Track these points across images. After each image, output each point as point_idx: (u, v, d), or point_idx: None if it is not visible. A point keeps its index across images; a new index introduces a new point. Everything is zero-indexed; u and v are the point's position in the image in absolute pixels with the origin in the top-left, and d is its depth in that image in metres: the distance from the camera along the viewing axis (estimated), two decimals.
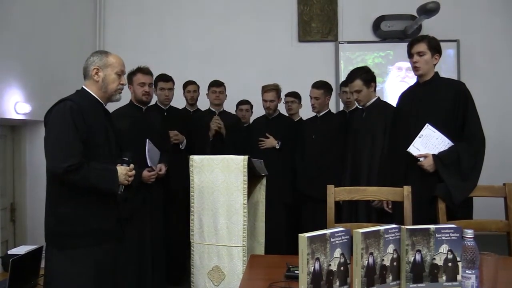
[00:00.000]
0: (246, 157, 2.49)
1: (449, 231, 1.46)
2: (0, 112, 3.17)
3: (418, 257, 1.45)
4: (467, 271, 1.40)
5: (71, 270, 1.87)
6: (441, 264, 1.46)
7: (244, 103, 4.10)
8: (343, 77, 4.38)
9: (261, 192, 2.75)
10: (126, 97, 2.83)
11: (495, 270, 1.40)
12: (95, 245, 1.92)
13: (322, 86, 3.40)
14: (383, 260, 1.45)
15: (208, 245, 2.55)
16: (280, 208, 3.39)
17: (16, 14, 3.35)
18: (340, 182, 2.83)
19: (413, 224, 1.93)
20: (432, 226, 1.47)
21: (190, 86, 3.95)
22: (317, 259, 1.36)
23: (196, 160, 2.59)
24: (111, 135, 2.06)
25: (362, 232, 1.41)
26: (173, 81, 3.59)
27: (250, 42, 4.93)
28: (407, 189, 2.08)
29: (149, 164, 2.78)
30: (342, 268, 1.42)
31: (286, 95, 3.76)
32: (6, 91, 3.24)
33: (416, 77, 2.55)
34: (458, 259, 1.45)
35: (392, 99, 3.90)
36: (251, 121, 4.07)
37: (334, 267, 1.40)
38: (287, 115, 3.82)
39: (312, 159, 3.35)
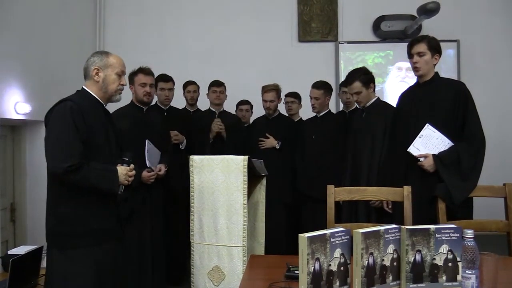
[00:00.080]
0: (246, 157, 2.49)
1: (449, 231, 1.46)
2: (0, 112, 3.17)
3: (418, 257, 1.45)
4: (467, 271, 1.40)
5: (71, 270, 1.87)
6: (441, 264, 1.46)
7: (244, 103, 4.10)
8: (343, 77, 4.37)
9: (261, 192, 2.75)
10: (127, 97, 2.84)
11: (495, 270, 1.40)
12: (95, 245, 1.92)
13: (322, 86, 3.40)
14: (383, 260, 1.45)
15: (208, 245, 2.55)
16: (280, 208, 3.39)
17: (16, 14, 3.35)
18: (340, 182, 2.83)
19: (413, 224, 1.93)
20: (432, 226, 1.47)
21: (190, 86, 3.95)
22: (317, 259, 1.36)
23: (196, 160, 2.59)
24: (111, 135, 2.06)
25: (362, 232, 1.41)
26: (173, 81, 3.59)
27: (250, 42, 4.93)
28: (407, 189, 2.08)
29: (148, 164, 2.78)
30: (342, 268, 1.42)
31: (286, 95, 3.76)
32: (6, 91, 3.24)
33: (416, 77, 2.55)
34: (458, 259, 1.45)
35: (392, 99, 3.90)
36: (251, 121, 4.07)
37: (334, 267, 1.40)
38: (287, 115, 3.82)
39: (312, 159, 3.35)
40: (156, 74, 3.24)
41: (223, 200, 2.51)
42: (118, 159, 2.02)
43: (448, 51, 4.75)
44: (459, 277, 1.45)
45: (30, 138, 3.76)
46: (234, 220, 2.48)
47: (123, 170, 1.95)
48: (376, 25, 4.85)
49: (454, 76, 4.55)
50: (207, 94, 3.81)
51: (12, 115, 3.30)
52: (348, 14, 4.94)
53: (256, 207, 2.75)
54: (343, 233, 1.43)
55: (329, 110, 3.50)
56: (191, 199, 2.60)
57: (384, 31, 4.82)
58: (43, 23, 3.73)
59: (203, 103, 3.96)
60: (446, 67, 4.68)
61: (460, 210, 2.23)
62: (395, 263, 1.48)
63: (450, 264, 1.46)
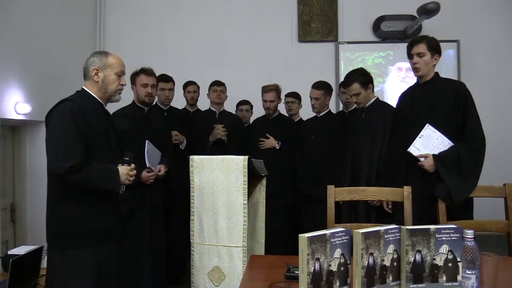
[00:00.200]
0: (246, 157, 2.49)
1: (449, 231, 1.46)
2: (0, 112, 3.17)
3: (418, 257, 1.45)
4: (467, 272, 1.40)
5: (72, 270, 1.87)
6: (441, 264, 1.46)
7: (244, 103, 4.10)
8: (343, 78, 4.35)
9: (261, 192, 2.75)
10: (128, 97, 2.85)
11: (495, 270, 1.40)
12: (96, 245, 1.92)
13: (322, 87, 3.40)
14: (383, 260, 1.45)
15: (208, 245, 2.54)
16: (280, 208, 3.38)
17: (16, 14, 3.35)
18: (340, 182, 2.83)
19: (413, 224, 1.93)
20: (432, 227, 1.47)
21: (190, 87, 3.95)
22: (317, 259, 1.36)
23: (196, 160, 2.59)
24: (111, 136, 2.06)
25: (362, 233, 1.41)
26: (173, 82, 3.60)
27: (250, 42, 4.93)
28: (407, 190, 2.08)
29: (147, 165, 2.78)
30: (342, 268, 1.42)
31: (286, 96, 3.76)
32: (6, 91, 3.24)
33: (416, 77, 2.55)
34: (458, 259, 1.45)
35: (392, 99, 3.91)
36: (251, 121, 4.07)
37: (334, 268, 1.40)
38: (287, 115, 3.82)
39: (312, 160, 3.35)
40: (156, 74, 3.24)
41: (223, 200, 2.51)
42: (119, 159, 2.02)
43: (448, 52, 4.75)
44: (459, 277, 1.45)
45: (30, 138, 3.76)
46: (234, 220, 2.48)
47: (124, 170, 1.96)
48: (376, 25, 4.86)
49: (454, 76, 4.55)
50: (207, 94, 3.81)
51: (12, 115, 3.30)
52: (348, 14, 4.94)
53: (256, 207, 2.74)
54: (343, 233, 1.43)
55: (329, 110, 3.50)
56: (191, 199, 2.60)
57: (384, 31, 4.82)
58: (43, 23, 3.73)
59: (203, 103, 3.96)
60: (446, 67, 4.69)
61: (460, 211, 2.23)
62: (395, 263, 1.48)
63: (450, 264, 1.46)
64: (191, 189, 2.60)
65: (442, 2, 4.12)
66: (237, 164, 2.48)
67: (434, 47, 2.44)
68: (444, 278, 1.46)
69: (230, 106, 3.99)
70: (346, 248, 1.43)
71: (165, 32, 4.98)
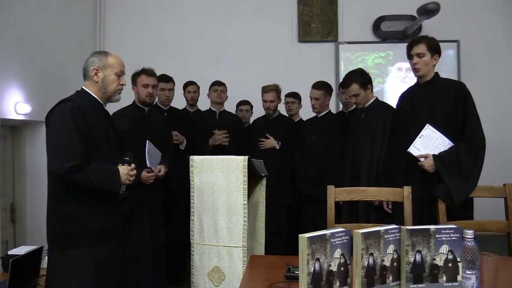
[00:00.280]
0: (246, 157, 2.49)
1: (449, 231, 1.46)
2: (0, 112, 3.17)
3: (418, 257, 1.45)
4: (467, 272, 1.40)
5: (72, 270, 1.87)
6: (441, 264, 1.46)
7: (244, 104, 4.10)
8: (343, 78, 4.38)
9: (261, 192, 2.75)
10: (128, 97, 2.85)
11: (495, 270, 1.40)
12: (96, 245, 1.92)
13: (322, 87, 3.40)
14: (383, 260, 1.45)
15: (208, 246, 2.54)
16: (280, 208, 3.38)
17: (16, 14, 3.35)
18: (340, 183, 2.83)
19: (413, 224, 1.93)
20: (432, 227, 1.47)
21: (190, 87, 3.95)
22: (317, 259, 1.36)
23: (196, 161, 2.59)
24: (111, 136, 2.07)
25: (362, 233, 1.41)
26: (173, 82, 3.60)
27: (250, 42, 4.93)
28: (407, 190, 2.08)
29: (148, 165, 2.78)
30: (342, 268, 1.42)
31: (286, 96, 3.76)
32: (6, 92, 3.24)
33: (416, 77, 2.55)
34: (458, 259, 1.45)
35: (392, 99, 3.90)
36: (251, 121, 4.07)
37: (334, 268, 1.40)
38: (287, 115, 3.82)
39: (312, 160, 3.35)
40: (156, 75, 3.24)
41: (223, 200, 2.51)
42: (119, 159, 2.02)
43: (448, 52, 4.75)
44: (459, 278, 1.45)
45: (30, 138, 3.76)
46: (234, 220, 2.48)
47: (124, 170, 1.96)
48: (376, 26, 4.85)
49: (454, 76, 4.55)
50: (208, 94, 3.81)
51: (12, 115, 3.30)
52: (348, 14, 4.94)
53: (256, 207, 2.74)
54: (343, 234, 1.43)
55: (329, 110, 3.50)
56: (191, 199, 2.60)
57: (384, 31, 4.82)
58: (43, 24, 3.73)
59: (204, 104, 3.96)
60: (446, 67, 4.69)
61: (460, 211, 2.23)
62: (395, 264, 1.48)
63: (450, 265, 1.46)
64: (191, 189, 2.60)
65: (442, 2, 4.12)
66: (237, 164, 2.48)
67: (434, 47, 2.44)
68: (444, 278, 1.46)
69: (230, 106, 3.99)
70: (346, 248, 1.43)
71: (165, 32, 4.98)
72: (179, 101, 3.88)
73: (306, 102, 3.65)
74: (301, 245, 1.35)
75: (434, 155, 2.33)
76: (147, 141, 2.80)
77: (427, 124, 2.37)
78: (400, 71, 4.86)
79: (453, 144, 2.33)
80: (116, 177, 1.93)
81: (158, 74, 3.23)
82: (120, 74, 2.04)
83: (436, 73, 2.49)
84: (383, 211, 2.67)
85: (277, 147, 3.52)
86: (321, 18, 4.95)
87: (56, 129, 1.87)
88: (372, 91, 3.00)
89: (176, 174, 3.13)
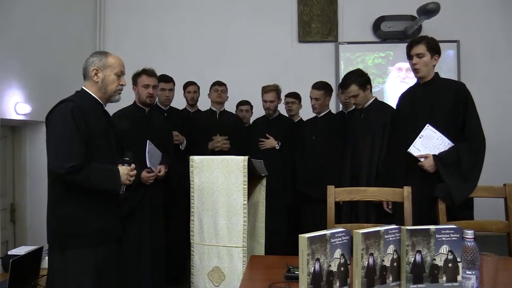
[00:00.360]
0: (246, 157, 2.49)
1: (449, 231, 1.46)
2: (0, 112, 3.17)
3: (418, 257, 1.45)
4: (467, 272, 1.40)
5: (72, 270, 1.87)
6: (441, 264, 1.46)
7: (244, 104, 4.10)
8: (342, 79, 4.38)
9: (261, 192, 2.75)
10: (129, 98, 2.85)
11: (495, 270, 1.40)
12: (96, 245, 1.92)
13: (322, 87, 3.40)
14: (383, 260, 1.45)
15: (208, 246, 2.54)
16: (280, 208, 3.38)
17: (16, 14, 3.35)
18: (340, 183, 2.83)
19: (413, 224, 1.93)
20: (432, 227, 1.47)
21: (190, 87, 3.95)
22: (317, 259, 1.36)
23: (196, 161, 2.59)
24: (111, 136, 2.07)
25: (362, 233, 1.41)
26: (173, 82, 3.60)
27: (250, 42, 4.93)
28: (407, 190, 2.08)
29: (148, 165, 2.78)
30: (342, 268, 1.42)
31: (286, 96, 3.76)
32: (6, 92, 3.24)
33: (416, 77, 2.55)
34: (458, 259, 1.45)
35: (392, 99, 3.90)
36: (251, 121, 4.07)
37: (334, 268, 1.40)
38: (287, 115, 3.82)
39: (312, 160, 3.35)
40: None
41: (223, 201, 2.51)
42: (119, 159, 2.02)
43: (448, 52, 4.75)
44: (459, 278, 1.45)
45: (30, 138, 3.76)
46: (234, 220, 2.48)
47: (124, 170, 1.96)
48: (376, 26, 4.85)
49: (454, 77, 4.55)
50: (208, 94, 3.81)
51: (12, 115, 3.30)
52: (348, 15, 4.94)
53: (256, 208, 2.74)
54: (343, 234, 1.43)
55: (329, 110, 3.50)
56: (191, 200, 2.60)
57: (384, 31, 4.82)
58: (43, 24, 3.73)
59: (204, 104, 3.96)
60: (446, 68, 4.69)
61: (460, 211, 2.23)
62: (395, 264, 1.48)
63: (450, 265, 1.46)
64: (191, 189, 2.60)
65: (442, 2, 4.12)
66: (237, 164, 2.48)
67: (434, 48, 2.44)
68: (444, 278, 1.46)
69: (230, 106, 3.99)
70: (346, 249, 1.43)
71: (165, 32, 4.97)
72: (179, 101, 3.89)
73: (306, 102, 3.65)
74: (301, 245, 1.35)
75: (434, 155, 2.33)
76: (148, 141, 2.80)
77: (427, 124, 2.37)
78: (400, 71, 4.86)
79: (453, 144, 2.33)
80: (116, 177, 1.93)
81: (158, 74, 3.23)
82: (120, 74, 2.04)
83: (436, 73, 2.49)
84: (383, 211, 2.67)
85: (277, 147, 3.52)
86: (321, 18, 4.95)
87: (56, 129, 1.87)
88: (371, 91, 3.00)
89: (176, 174, 3.13)
